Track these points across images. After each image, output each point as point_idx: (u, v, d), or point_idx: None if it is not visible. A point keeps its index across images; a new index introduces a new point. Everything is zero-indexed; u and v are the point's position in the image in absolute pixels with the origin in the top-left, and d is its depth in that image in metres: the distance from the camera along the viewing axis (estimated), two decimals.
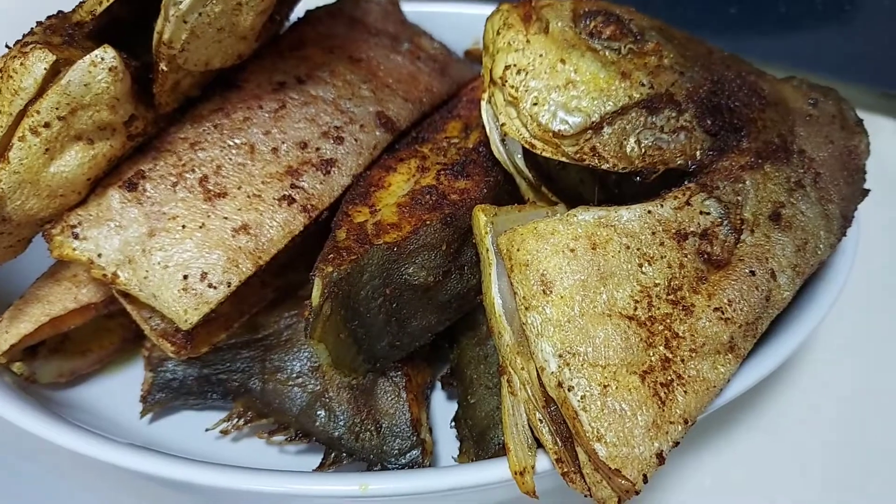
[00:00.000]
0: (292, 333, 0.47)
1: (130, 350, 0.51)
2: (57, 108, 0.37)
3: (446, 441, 0.48)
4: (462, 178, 0.43)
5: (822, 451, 0.49)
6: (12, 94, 0.37)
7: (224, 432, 0.46)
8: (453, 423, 0.46)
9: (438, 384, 0.50)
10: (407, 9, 0.62)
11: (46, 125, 0.37)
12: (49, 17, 0.43)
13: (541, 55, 0.41)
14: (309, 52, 0.48)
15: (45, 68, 0.36)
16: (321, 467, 0.44)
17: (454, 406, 0.48)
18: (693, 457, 0.49)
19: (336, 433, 0.44)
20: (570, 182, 0.44)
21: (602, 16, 0.43)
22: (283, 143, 0.44)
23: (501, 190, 0.44)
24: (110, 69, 0.36)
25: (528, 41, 0.42)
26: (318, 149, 0.44)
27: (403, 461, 0.43)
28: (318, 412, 0.45)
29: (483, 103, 0.43)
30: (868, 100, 0.72)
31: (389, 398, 0.44)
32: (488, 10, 0.64)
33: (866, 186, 0.44)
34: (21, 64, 0.36)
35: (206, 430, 0.47)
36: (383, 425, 0.44)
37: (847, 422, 0.50)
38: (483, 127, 0.48)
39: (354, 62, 0.49)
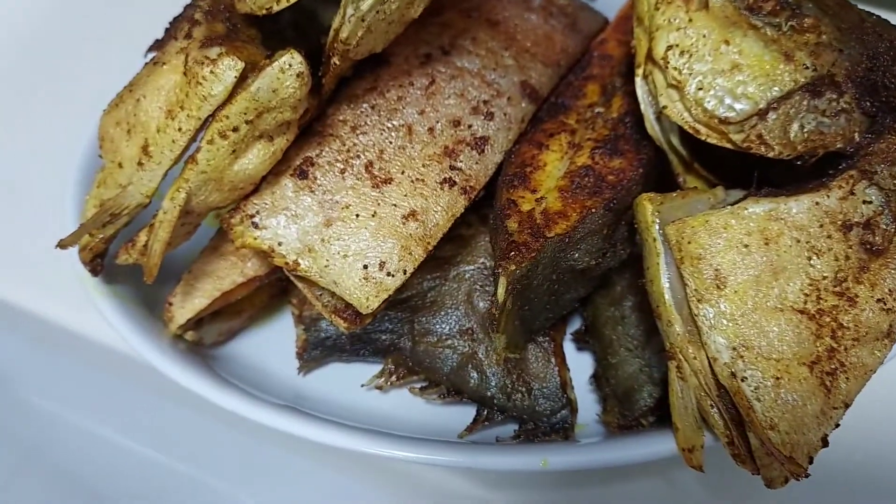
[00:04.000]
0: (436, 296, 0.50)
1: (276, 305, 0.54)
2: (245, 114, 0.37)
3: (577, 391, 0.51)
4: (616, 156, 0.44)
5: None
6: (201, 99, 0.37)
7: (378, 387, 0.50)
8: (592, 380, 0.49)
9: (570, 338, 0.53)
10: None
11: (235, 129, 0.38)
12: None
13: (704, 35, 0.41)
14: (448, 18, 0.48)
15: (235, 76, 0.37)
16: (475, 423, 0.48)
17: (583, 357, 0.52)
18: None
19: (488, 393, 0.48)
20: (720, 158, 0.45)
21: None
22: (438, 122, 0.44)
23: (652, 165, 0.45)
24: (298, 75, 0.37)
25: (690, 19, 0.41)
26: (470, 126, 0.45)
27: (555, 420, 0.47)
28: (471, 373, 0.48)
29: (638, 79, 0.43)
30: None
31: (540, 363, 0.47)
32: None
33: None
34: (211, 71, 0.37)
35: (362, 385, 0.50)
36: (534, 387, 0.47)
37: None
38: (622, 92, 0.48)
39: (493, 25, 0.48)
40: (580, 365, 0.51)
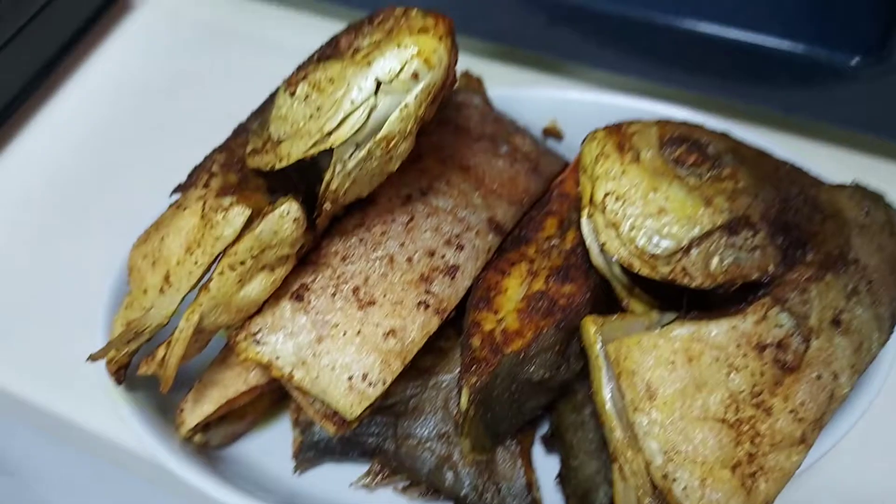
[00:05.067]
0: (417, 402, 0.56)
1: (276, 410, 0.61)
2: (251, 250, 0.45)
3: (546, 489, 0.57)
4: (567, 282, 0.51)
5: None
6: (215, 239, 0.45)
7: (365, 486, 0.56)
8: (558, 480, 0.55)
9: (539, 441, 0.58)
10: (493, 93, 0.69)
11: (242, 263, 0.45)
12: (218, 151, 0.52)
13: (635, 184, 0.49)
14: (426, 164, 0.56)
15: (243, 221, 0.45)
16: None
17: (551, 458, 0.57)
18: None
19: (462, 492, 0.53)
20: (654, 284, 0.52)
21: (685, 144, 0.51)
22: (416, 252, 0.52)
23: (599, 290, 0.52)
24: (295, 219, 0.45)
25: (623, 171, 0.49)
26: (443, 256, 0.52)
27: None
28: (446, 474, 0.54)
29: (584, 219, 0.51)
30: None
31: (507, 465, 0.53)
32: (561, 93, 0.72)
33: None
34: (223, 217, 0.45)
35: (350, 485, 0.56)
36: (503, 487, 0.53)
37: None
38: (576, 226, 0.56)
39: (465, 170, 0.57)
40: (549, 467, 0.56)
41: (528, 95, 0.71)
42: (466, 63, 0.72)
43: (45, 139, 0.83)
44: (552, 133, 0.71)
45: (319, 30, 0.69)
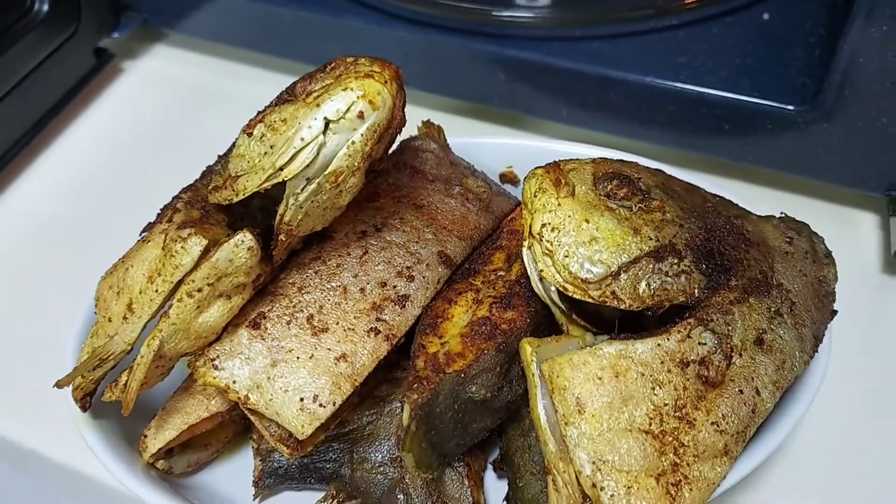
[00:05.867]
0: (373, 429, 0.59)
1: (239, 441, 0.63)
2: (207, 278, 0.49)
3: None
4: (509, 309, 0.55)
5: None
6: (174, 268, 0.49)
7: None
8: (505, 501, 0.57)
9: (490, 466, 0.61)
10: (453, 141, 0.74)
11: (199, 290, 0.49)
12: (184, 191, 0.56)
13: (569, 216, 0.53)
14: (382, 203, 0.60)
15: (199, 250, 0.48)
16: None
17: (502, 483, 0.59)
18: None
19: None
20: (592, 309, 0.55)
21: (617, 179, 0.55)
22: (368, 283, 0.55)
23: (540, 317, 0.56)
24: (248, 248, 0.49)
25: (559, 204, 0.53)
26: (395, 286, 0.56)
27: None
28: (398, 496, 0.56)
29: (524, 250, 0.55)
30: (845, 196, 0.82)
31: (455, 485, 0.55)
32: (517, 141, 0.77)
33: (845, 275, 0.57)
34: (182, 247, 0.49)
35: None
36: None
37: None
38: (522, 260, 0.59)
39: (418, 208, 0.61)
40: (502, 491, 0.59)
41: (486, 143, 0.76)
42: (431, 116, 0.77)
43: (34, 190, 0.88)
44: (509, 178, 0.75)
45: None
